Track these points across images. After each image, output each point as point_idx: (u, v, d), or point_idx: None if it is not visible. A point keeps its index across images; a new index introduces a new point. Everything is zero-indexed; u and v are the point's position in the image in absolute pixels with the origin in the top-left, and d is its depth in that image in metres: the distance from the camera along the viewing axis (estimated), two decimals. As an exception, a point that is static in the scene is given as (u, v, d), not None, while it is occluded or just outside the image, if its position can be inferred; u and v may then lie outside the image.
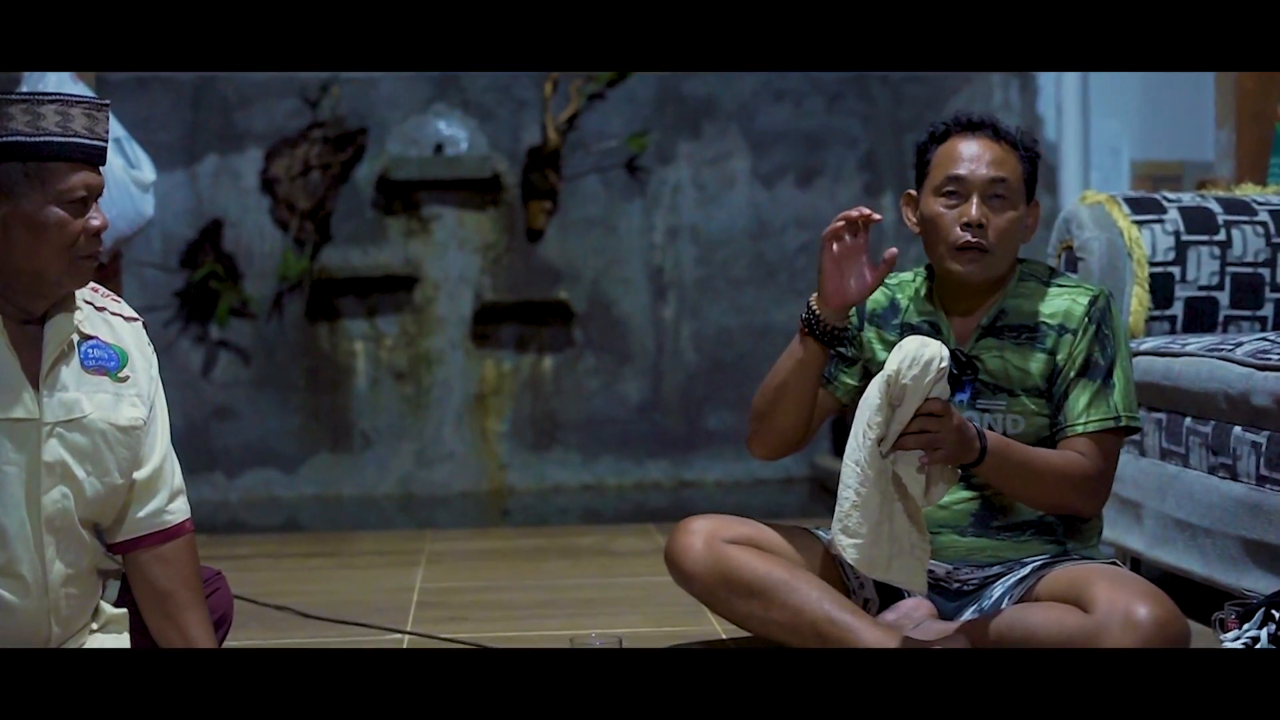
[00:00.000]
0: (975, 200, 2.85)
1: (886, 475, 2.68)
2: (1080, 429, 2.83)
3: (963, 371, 2.88)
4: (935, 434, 2.65)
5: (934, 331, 2.91)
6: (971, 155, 2.88)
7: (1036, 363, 2.86)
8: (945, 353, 2.64)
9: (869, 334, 3.00)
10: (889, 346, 2.90)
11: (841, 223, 2.84)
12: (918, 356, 2.62)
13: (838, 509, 2.72)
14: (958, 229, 2.85)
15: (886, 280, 3.00)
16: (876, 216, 2.83)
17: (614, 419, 6.17)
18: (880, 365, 2.86)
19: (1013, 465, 2.79)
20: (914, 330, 2.93)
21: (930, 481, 2.70)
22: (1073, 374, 2.85)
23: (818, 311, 2.89)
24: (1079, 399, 2.84)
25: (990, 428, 2.85)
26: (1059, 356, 2.86)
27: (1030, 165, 2.91)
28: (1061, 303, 2.88)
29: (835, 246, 2.85)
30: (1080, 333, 2.85)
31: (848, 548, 2.71)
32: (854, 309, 2.97)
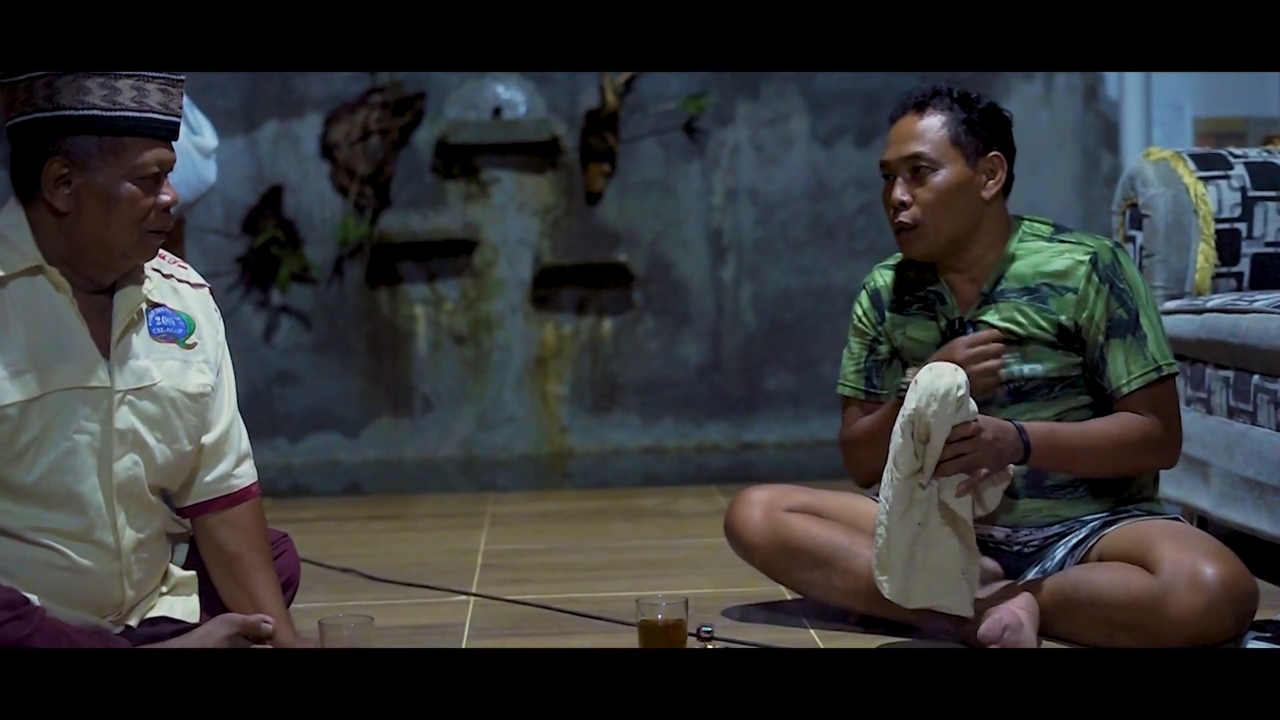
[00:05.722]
0: (897, 182, 2.87)
1: (927, 506, 2.72)
2: (1127, 389, 2.83)
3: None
4: (971, 455, 2.69)
5: (938, 300, 2.93)
6: (893, 138, 2.90)
7: (1042, 319, 2.85)
8: (961, 378, 2.67)
9: (889, 321, 3.00)
10: (906, 325, 2.95)
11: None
12: (934, 391, 2.66)
13: (875, 544, 2.77)
14: (890, 212, 2.88)
15: (890, 260, 3.03)
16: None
17: (674, 381, 6.17)
18: (904, 348, 2.96)
19: (1064, 449, 2.80)
20: (919, 301, 2.95)
21: (979, 495, 2.77)
22: (1102, 337, 2.84)
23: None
24: (1117, 359, 2.83)
25: (1017, 373, 2.86)
26: (1063, 317, 2.84)
27: (967, 119, 2.87)
28: (1062, 262, 2.87)
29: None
30: (1094, 294, 2.83)
31: (882, 583, 2.76)
32: (869, 302, 3.01)
